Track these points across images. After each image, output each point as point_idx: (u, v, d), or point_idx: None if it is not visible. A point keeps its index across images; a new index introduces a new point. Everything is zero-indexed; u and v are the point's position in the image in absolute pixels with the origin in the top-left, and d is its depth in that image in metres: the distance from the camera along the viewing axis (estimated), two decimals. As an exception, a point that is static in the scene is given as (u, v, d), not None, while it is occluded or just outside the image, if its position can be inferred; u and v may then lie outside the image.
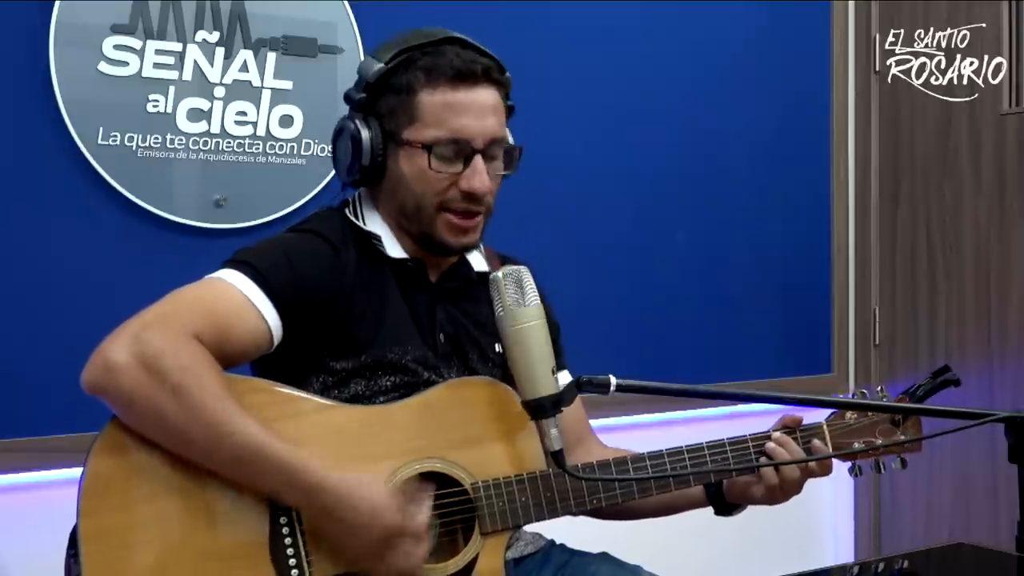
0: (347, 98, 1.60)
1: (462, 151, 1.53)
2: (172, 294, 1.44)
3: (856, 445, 1.63)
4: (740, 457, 1.59)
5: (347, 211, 1.62)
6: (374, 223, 1.60)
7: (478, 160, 1.53)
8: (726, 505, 1.67)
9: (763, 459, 1.60)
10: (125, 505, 1.36)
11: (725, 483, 1.65)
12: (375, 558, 1.39)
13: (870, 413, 1.64)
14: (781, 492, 1.61)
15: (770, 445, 1.60)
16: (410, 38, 1.56)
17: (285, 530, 1.40)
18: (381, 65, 1.55)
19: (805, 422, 1.65)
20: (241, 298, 1.44)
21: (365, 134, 1.55)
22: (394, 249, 1.59)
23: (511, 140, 1.63)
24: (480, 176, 1.53)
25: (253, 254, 1.50)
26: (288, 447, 1.37)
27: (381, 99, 1.56)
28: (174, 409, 1.34)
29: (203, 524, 1.38)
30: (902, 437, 1.64)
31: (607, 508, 1.58)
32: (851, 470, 1.66)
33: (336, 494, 1.37)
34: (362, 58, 2.34)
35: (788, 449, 1.59)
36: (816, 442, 1.62)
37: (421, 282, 1.61)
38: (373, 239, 1.58)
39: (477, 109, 1.53)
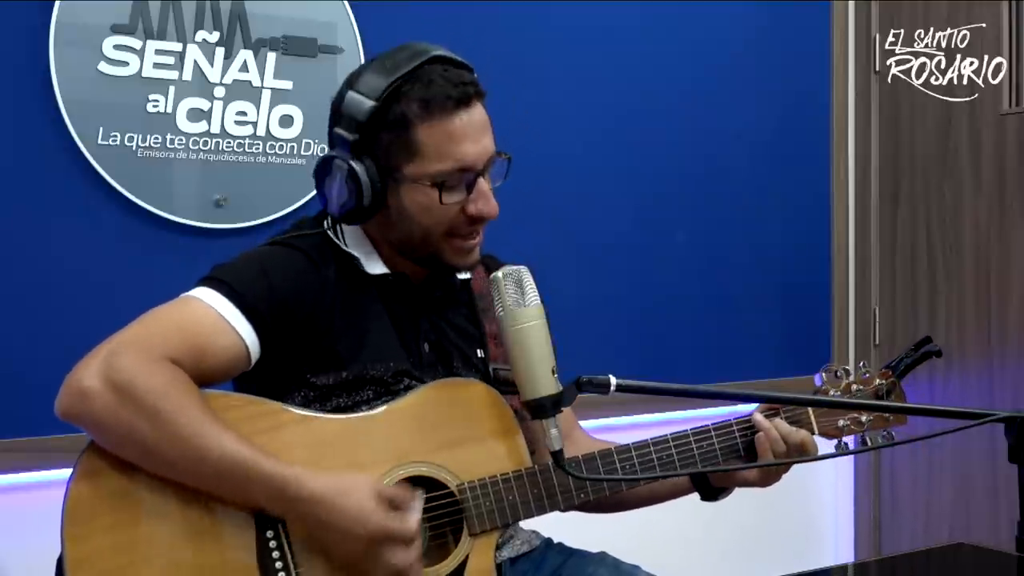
0: (336, 137, 1.53)
1: (465, 177, 1.51)
2: (145, 315, 1.43)
3: (841, 423, 1.65)
4: (726, 442, 1.60)
5: (326, 226, 1.59)
6: (354, 244, 1.58)
7: (482, 183, 1.52)
8: (711, 490, 1.67)
9: (759, 436, 1.59)
10: (109, 530, 1.35)
11: None
12: (367, 561, 1.38)
13: (853, 388, 1.65)
14: (775, 474, 1.62)
15: (756, 419, 1.59)
16: (391, 66, 1.49)
17: (272, 544, 1.39)
18: (372, 103, 1.48)
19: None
20: (216, 317, 1.43)
21: (363, 174, 1.50)
22: (373, 267, 1.57)
23: None
24: (486, 199, 1.52)
25: (229, 271, 1.49)
26: (270, 459, 1.36)
27: (374, 135, 1.51)
28: (151, 432, 1.33)
29: (189, 543, 1.37)
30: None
31: (593, 501, 1.57)
32: (837, 446, 1.67)
33: (321, 501, 1.36)
34: (362, 58, 2.36)
35: (782, 432, 1.59)
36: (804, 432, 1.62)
37: (404, 294, 1.59)
38: (352, 259, 1.56)
39: (475, 132, 1.51)
